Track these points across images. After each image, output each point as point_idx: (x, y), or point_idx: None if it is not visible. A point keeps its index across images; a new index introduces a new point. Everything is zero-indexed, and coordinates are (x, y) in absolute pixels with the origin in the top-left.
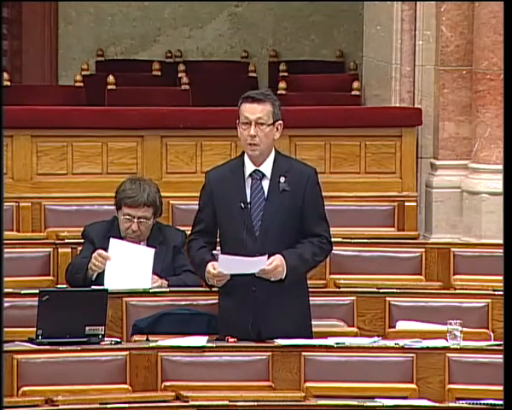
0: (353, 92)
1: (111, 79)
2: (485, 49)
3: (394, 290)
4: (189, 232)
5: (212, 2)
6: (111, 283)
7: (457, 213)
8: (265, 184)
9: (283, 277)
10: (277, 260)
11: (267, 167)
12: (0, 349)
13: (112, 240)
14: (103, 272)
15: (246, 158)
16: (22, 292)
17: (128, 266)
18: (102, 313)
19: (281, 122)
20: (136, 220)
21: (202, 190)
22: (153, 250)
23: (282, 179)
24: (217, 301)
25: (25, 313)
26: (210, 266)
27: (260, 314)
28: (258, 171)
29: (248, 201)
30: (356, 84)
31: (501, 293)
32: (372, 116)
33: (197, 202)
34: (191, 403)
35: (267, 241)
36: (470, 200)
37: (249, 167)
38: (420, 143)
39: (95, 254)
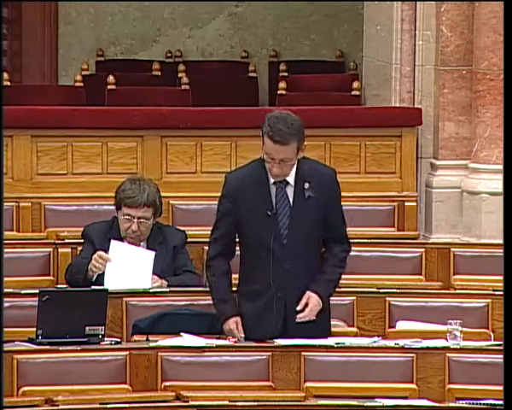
0: (353, 92)
1: (111, 79)
2: (485, 49)
3: (394, 290)
4: (188, 232)
5: (212, 3)
6: (111, 284)
7: (457, 213)
8: (290, 191)
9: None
10: (312, 300)
11: (291, 175)
12: (0, 349)
13: (112, 242)
14: (103, 273)
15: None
16: (22, 292)
17: (128, 269)
18: (102, 313)
19: (305, 144)
20: (136, 220)
21: (223, 195)
22: (153, 253)
23: (307, 186)
24: None
25: (25, 313)
26: (233, 325)
27: (288, 320)
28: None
29: (274, 209)
30: (356, 84)
31: (501, 293)
32: (372, 116)
33: (197, 203)
34: (191, 403)
35: (294, 248)
36: (470, 200)
37: None
38: (420, 143)
39: (95, 255)
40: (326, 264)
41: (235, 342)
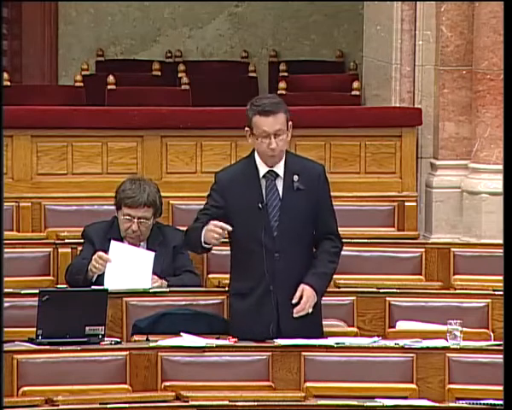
0: (353, 92)
1: (111, 79)
2: (485, 49)
3: (394, 290)
4: None
5: (212, 3)
6: (111, 285)
7: (457, 213)
8: (279, 183)
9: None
10: (306, 292)
11: (280, 167)
12: (0, 349)
13: (112, 242)
14: (103, 273)
15: (257, 159)
16: (22, 292)
17: (128, 269)
18: (102, 313)
19: (290, 122)
20: (136, 220)
21: (212, 192)
22: (153, 254)
23: (296, 178)
24: (218, 301)
25: (25, 313)
26: (210, 226)
27: (280, 314)
28: (272, 171)
29: (264, 202)
30: (356, 84)
31: (501, 293)
32: (372, 116)
33: (197, 203)
34: (191, 403)
35: (285, 240)
36: (470, 200)
37: (262, 169)
38: (420, 143)
39: (95, 256)
40: (317, 259)
41: (235, 341)
